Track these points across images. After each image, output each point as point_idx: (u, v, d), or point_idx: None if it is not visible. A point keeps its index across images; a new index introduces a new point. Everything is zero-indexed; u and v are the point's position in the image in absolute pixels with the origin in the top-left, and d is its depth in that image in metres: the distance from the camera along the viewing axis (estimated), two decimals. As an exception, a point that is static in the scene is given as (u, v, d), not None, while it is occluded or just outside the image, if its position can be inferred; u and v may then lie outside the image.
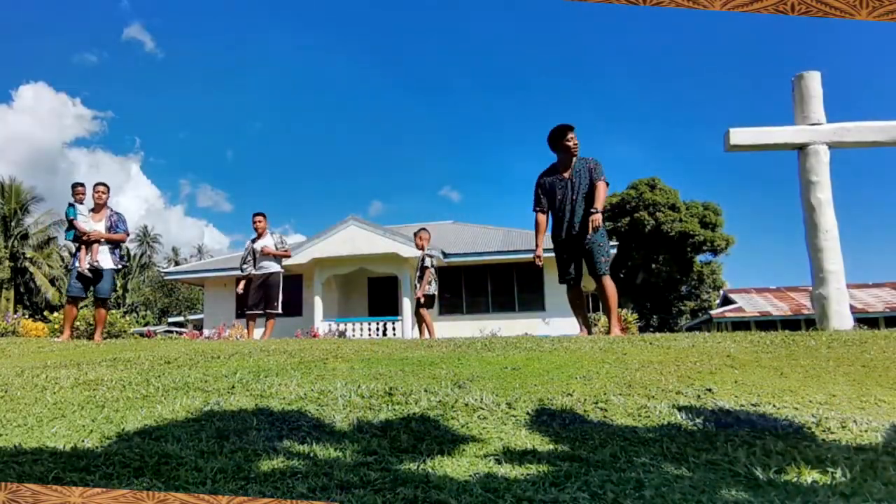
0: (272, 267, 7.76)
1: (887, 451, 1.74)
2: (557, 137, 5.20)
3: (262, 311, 7.72)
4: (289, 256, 7.99)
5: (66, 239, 6.84)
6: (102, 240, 6.52)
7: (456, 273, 18.95)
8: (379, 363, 3.36)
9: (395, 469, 1.71)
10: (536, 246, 5.34)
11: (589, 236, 5.01)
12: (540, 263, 5.33)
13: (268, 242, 7.79)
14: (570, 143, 5.16)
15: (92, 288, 6.56)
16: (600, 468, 1.68)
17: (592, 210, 4.96)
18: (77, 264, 6.45)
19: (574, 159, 5.20)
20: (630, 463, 1.72)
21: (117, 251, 6.69)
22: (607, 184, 5.10)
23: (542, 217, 5.31)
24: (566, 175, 5.19)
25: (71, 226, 6.53)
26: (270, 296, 7.69)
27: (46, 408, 2.62)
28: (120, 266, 6.73)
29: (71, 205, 6.54)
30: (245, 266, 7.85)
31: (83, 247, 6.48)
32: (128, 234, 6.91)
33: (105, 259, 6.52)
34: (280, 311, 7.78)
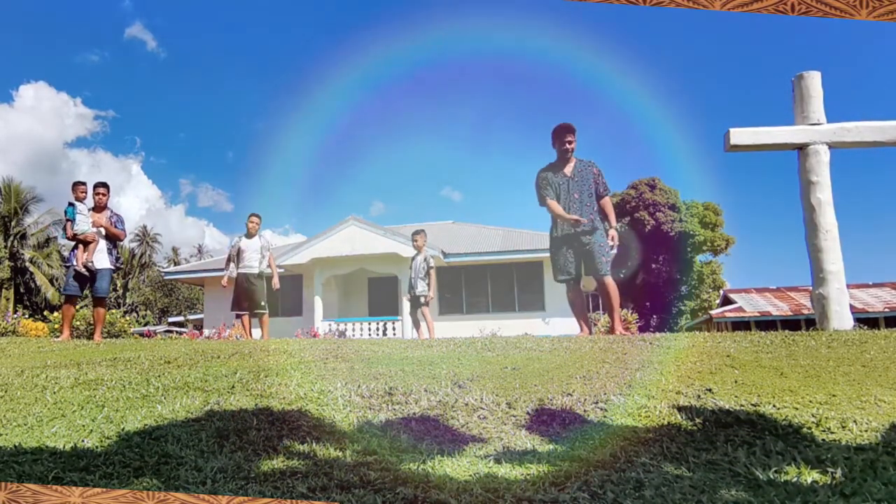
0: (255, 268, 7.79)
1: (887, 451, 1.74)
2: (557, 136, 5.33)
3: (246, 311, 7.76)
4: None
5: (62, 237, 6.94)
6: (99, 239, 6.52)
7: (456, 273, 18.95)
8: (379, 363, 3.36)
9: (395, 469, 1.71)
10: (568, 218, 5.12)
11: (588, 239, 5.11)
12: (584, 221, 5.10)
13: (255, 245, 7.82)
14: (566, 147, 5.29)
15: (89, 287, 6.57)
16: (600, 468, 1.68)
17: (610, 227, 5.23)
18: (74, 262, 6.47)
19: (574, 159, 5.32)
20: (630, 463, 1.72)
21: (114, 251, 6.66)
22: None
23: (554, 202, 5.25)
24: (567, 172, 5.28)
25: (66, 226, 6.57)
26: (255, 297, 7.71)
27: (46, 408, 2.62)
28: (116, 267, 6.72)
29: (71, 204, 6.56)
30: (231, 266, 7.87)
31: (80, 245, 6.50)
32: (125, 235, 6.90)
33: (101, 259, 6.51)
34: (266, 309, 7.81)
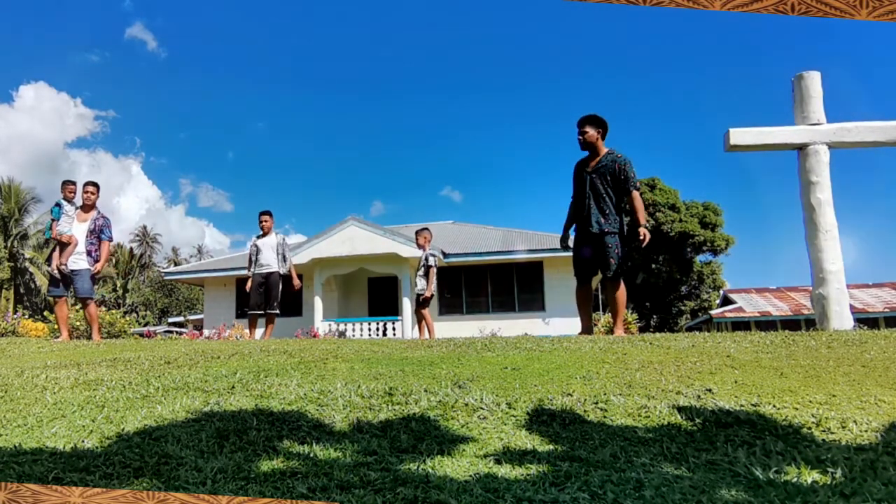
0: (272, 266, 7.76)
1: (887, 451, 1.74)
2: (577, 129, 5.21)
3: (262, 312, 7.72)
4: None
5: (44, 236, 6.86)
6: (77, 241, 6.40)
7: (456, 273, 18.95)
8: (379, 363, 3.36)
9: (395, 469, 1.71)
10: (563, 230, 5.34)
11: (601, 238, 4.97)
12: (565, 250, 5.32)
13: (271, 242, 7.80)
14: (579, 139, 5.15)
15: (72, 288, 6.50)
16: (600, 468, 1.68)
17: (640, 226, 4.95)
18: (51, 264, 6.39)
19: (603, 151, 5.12)
20: (630, 463, 1.72)
21: (95, 253, 6.54)
22: (639, 191, 5.05)
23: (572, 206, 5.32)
24: (590, 167, 5.12)
25: (51, 225, 6.46)
26: (270, 296, 7.69)
27: (46, 408, 2.62)
28: (95, 269, 6.57)
29: (57, 204, 6.47)
30: (252, 267, 7.86)
31: (57, 247, 6.41)
32: (111, 241, 6.76)
33: (79, 261, 6.41)
34: (278, 311, 7.79)
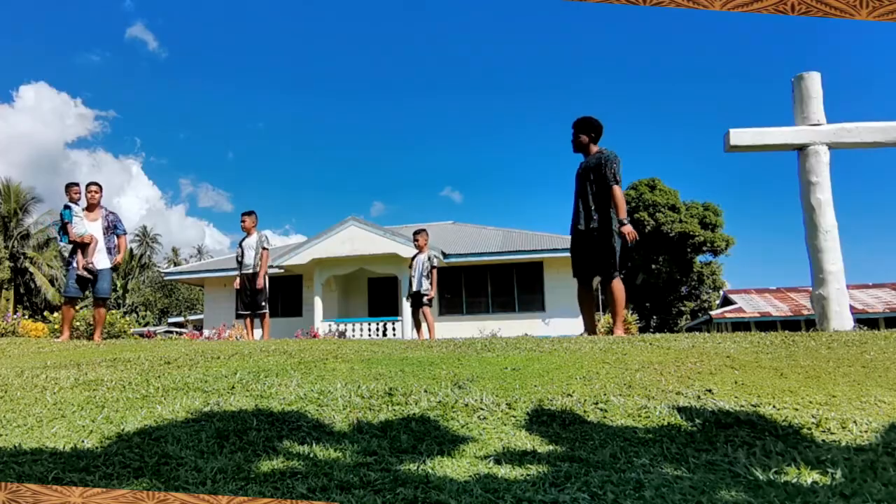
0: (251, 267, 7.77)
1: (887, 452, 1.74)
2: None
3: (251, 313, 7.75)
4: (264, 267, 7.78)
5: (59, 241, 6.87)
6: (97, 239, 6.53)
7: (456, 273, 18.94)
8: (379, 363, 3.36)
9: (395, 469, 1.71)
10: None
11: (595, 237, 4.96)
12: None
13: (252, 242, 7.78)
14: (572, 141, 5.22)
15: (91, 288, 6.58)
16: (600, 469, 1.68)
17: (621, 221, 4.87)
18: (74, 265, 6.45)
19: (594, 151, 5.15)
20: (630, 463, 1.72)
21: (114, 251, 6.71)
22: (619, 184, 4.93)
23: None
24: (580, 169, 5.19)
25: (65, 228, 6.52)
26: (257, 297, 7.70)
27: (46, 408, 2.61)
28: (115, 261, 6.74)
29: (67, 206, 6.54)
30: (239, 268, 7.92)
31: (80, 248, 6.48)
32: (125, 234, 6.94)
33: (101, 259, 6.55)
34: (267, 309, 7.79)
